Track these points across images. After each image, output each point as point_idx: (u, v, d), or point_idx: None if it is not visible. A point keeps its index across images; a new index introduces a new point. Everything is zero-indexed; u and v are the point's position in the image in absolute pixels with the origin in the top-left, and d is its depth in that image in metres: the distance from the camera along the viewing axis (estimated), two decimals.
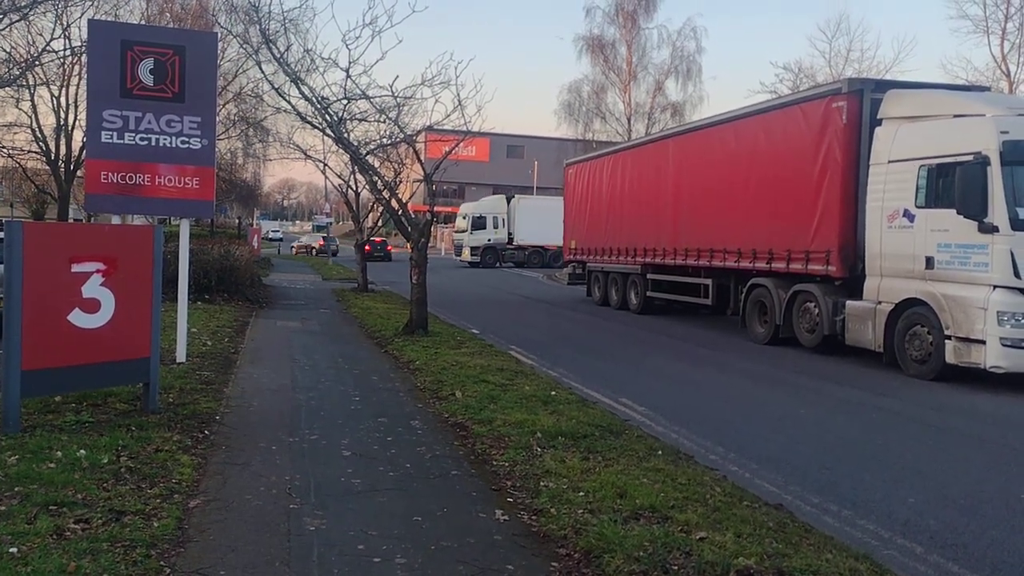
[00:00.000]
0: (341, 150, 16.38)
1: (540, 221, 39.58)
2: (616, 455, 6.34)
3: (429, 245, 13.94)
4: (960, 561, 4.85)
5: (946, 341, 10.52)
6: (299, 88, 13.15)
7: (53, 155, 30.18)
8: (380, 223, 29.74)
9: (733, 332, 15.69)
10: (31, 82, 24.77)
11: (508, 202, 42.73)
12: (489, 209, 43.21)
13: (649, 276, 18.91)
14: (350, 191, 23.81)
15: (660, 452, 6.57)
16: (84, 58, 20.37)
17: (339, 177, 23.96)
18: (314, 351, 11.96)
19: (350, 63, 13.06)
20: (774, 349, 13.72)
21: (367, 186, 17.16)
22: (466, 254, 42.42)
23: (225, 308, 16.39)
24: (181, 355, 10.01)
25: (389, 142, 15.91)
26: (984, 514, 5.65)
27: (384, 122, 14.71)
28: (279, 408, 8.03)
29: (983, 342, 10.07)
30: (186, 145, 9.69)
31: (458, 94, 13.48)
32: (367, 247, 25.68)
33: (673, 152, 17.98)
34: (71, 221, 33.13)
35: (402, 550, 4.52)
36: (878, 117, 12.10)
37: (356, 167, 18.00)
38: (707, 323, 17.49)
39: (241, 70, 31.11)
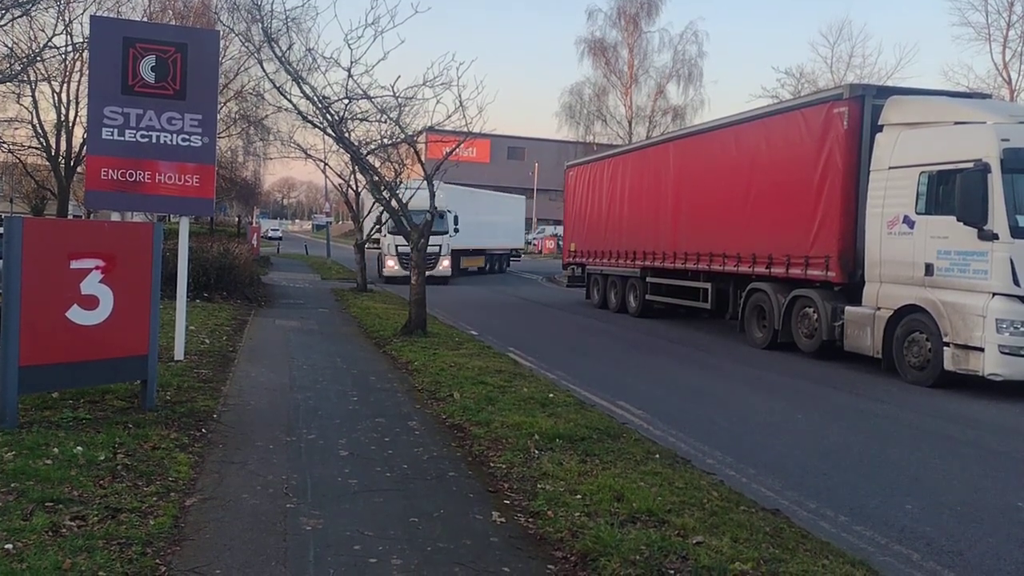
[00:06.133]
0: (342, 150, 16.37)
1: None
2: (613, 458, 6.34)
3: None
4: (956, 568, 4.85)
5: (945, 348, 10.52)
6: (300, 87, 13.15)
7: (53, 151, 30.17)
8: (381, 223, 29.56)
9: (732, 336, 15.69)
10: (32, 78, 24.75)
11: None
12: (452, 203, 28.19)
13: (648, 279, 18.91)
14: (350, 191, 23.78)
15: (657, 456, 6.56)
16: (86, 54, 20.37)
17: (339, 177, 23.95)
18: (312, 350, 11.94)
19: (352, 63, 13.05)
20: (772, 354, 13.71)
21: (367, 186, 17.15)
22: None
23: (224, 306, 16.38)
24: (179, 353, 10.00)
25: (390, 142, 15.90)
26: (981, 521, 5.65)
27: (385, 122, 14.70)
28: (277, 407, 8.03)
29: (982, 349, 10.07)
30: (187, 143, 9.68)
31: (459, 95, 13.49)
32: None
33: (673, 156, 17.99)
34: (70, 217, 33.12)
35: (398, 551, 4.51)
36: (879, 123, 12.11)
37: (356, 167, 17.99)
38: (706, 327, 17.49)
39: (242, 68, 31.10)
